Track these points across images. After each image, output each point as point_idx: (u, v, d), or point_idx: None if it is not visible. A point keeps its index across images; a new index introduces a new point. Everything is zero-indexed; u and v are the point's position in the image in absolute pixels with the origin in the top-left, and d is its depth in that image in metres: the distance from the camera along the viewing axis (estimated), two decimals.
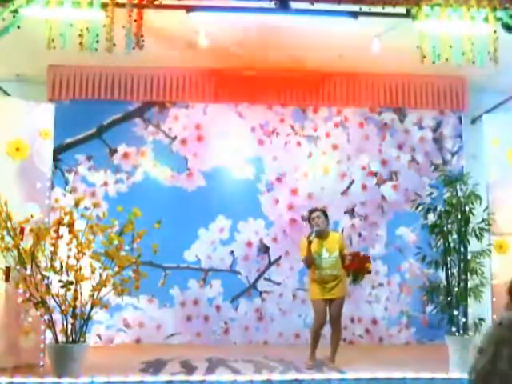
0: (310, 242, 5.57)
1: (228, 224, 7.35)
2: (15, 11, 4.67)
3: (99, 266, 5.29)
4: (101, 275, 5.26)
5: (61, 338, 5.26)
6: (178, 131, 7.46)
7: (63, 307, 5.18)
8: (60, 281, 5.19)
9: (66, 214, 5.31)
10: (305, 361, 5.68)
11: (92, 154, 7.32)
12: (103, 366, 5.54)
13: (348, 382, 5.03)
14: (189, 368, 5.59)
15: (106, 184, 7.30)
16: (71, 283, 5.18)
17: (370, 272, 5.63)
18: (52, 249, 5.25)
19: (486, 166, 6.17)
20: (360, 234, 7.48)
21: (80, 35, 4.56)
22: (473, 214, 5.71)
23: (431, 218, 5.89)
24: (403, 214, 7.42)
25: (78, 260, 5.22)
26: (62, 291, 5.19)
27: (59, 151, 7.11)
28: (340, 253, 5.68)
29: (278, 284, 7.33)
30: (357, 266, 5.49)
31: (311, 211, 5.89)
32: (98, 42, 4.59)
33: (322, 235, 5.68)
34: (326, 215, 5.82)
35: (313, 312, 5.80)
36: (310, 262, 5.65)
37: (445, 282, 5.69)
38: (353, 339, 7.28)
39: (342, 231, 7.34)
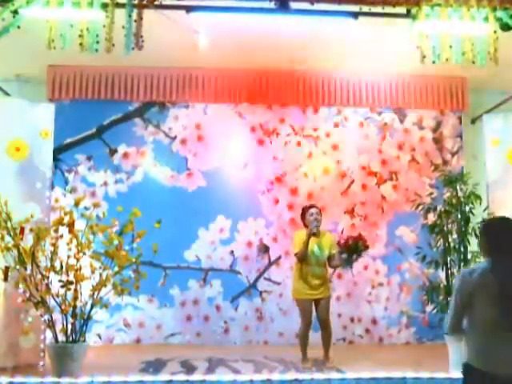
0: (311, 235, 5.56)
1: (228, 224, 7.36)
2: (15, 11, 4.67)
3: (99, 266, 5.29)
4: (101, 275, 5.27)
5: (61, 337, 5.26)
6: (177, 131, 7.46)
7: (63, 307, 5.18)
8: (60, 281, 5.20)
9: (66, 213, 5.31)
10: (301, 364, 5.64)
11: (92, 154, 7.33)
12: (103, 366, 5.54)
13: (348, 382, 5.03)
14: (189, 368, 5.59)
15: (105, 184, 7.31)
16: (71, 283, 5.19)
17: (367, 246, 5.53)
18: (52, 249, 5.26)
19: (486, 166, 6.16)
20: (360, 234, 7.47)
21: (80, 35, 4.57)
22: (473, 214, 5.71)
23: (431, 217, 5.89)
24: (403, 214, 7.42)
25: (78, 260, 5.23)
26: (62, 291, 5.19)
27: (59, 151, 7.12)
28: (329, 252, 5.67)
29: (278, 284, 7.34)
30: (354, 239, 5.44)
31: (309, 207, 5.85)
32: (98, 42, 4.60)
33: (317, 232, 5.69)
34: (320, 213, 5.84)
35: (299, 312, 5.75)
36: (303, 255, 5.60)
37: (445, 282, 5.69)
38: (353, 339, 7.28)
39: (342, 231, 7.35)
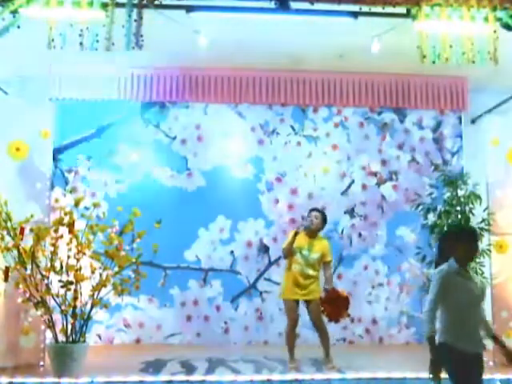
0: (296, 233, 5.57)
1: (228, 224, 7.36)
2: (15, 11, 4.68)
3: (99, 266, 5.30)
4: (101, 275, 5.27)
5: (61, 338, 5.27)
6: (177, 131, 7.46)
7: (63, 307, 5.19)
8: (60, 281, 5.20)
9: (66, 213, 5.32)
10: (288, 363, 5.59)
11: (92, 154, 7.33)
12: (103, 366, 5.55)
13: (348, 382, 5.04)
14: (189, 368, 5.60)
15: (105, 184, 7.31)
16: (71, 283, 5.19)
17: (348, 315, 5.57)
18: (52, 249, 5.27)
19: (486, 166, 6.17)
20: (360, 234, 7.48)
21: (80, 35, 4.57)
22: (473, 214, 5.71)
23: (431, 217, 5.89)
24: (403, 214, 7.43)
25: (78, 260, 5.24)
26: (62, 291, 5.20)
27: (59, 151, 7.12)
28: (323, 258, 5.63)
29: (278, 284, 7.32)
30: (332, 310, 5.41)
31: (312, 209, 5.87)
32: (97, 41, 4.60)
33: (311, 233, 5.66)
34: (324, 219, 5.76)
35: (284, 312, 5.72)
36: (288, 251, 5.59)
37: None
38: (353, 339, 7.28)
39: (342, 231, 7.36)
